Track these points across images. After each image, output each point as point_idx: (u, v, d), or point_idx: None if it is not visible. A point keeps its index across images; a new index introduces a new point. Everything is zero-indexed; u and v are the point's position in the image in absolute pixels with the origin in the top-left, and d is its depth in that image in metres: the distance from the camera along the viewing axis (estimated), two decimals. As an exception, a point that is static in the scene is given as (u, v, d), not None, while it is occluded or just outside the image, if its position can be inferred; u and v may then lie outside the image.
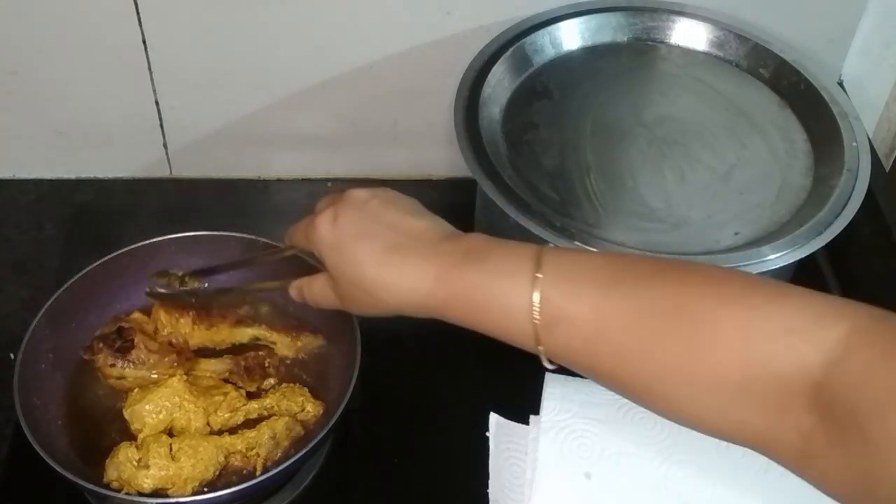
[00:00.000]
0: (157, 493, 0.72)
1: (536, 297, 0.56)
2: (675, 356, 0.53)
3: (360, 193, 0.66)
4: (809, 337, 0.49)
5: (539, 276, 0.57)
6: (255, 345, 0.83)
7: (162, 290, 0.81)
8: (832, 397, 0.48)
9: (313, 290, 0.69)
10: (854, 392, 0.47)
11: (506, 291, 0.58)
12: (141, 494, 0.71)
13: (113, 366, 0.78)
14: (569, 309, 0.56)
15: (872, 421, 0.45)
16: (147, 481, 0.72)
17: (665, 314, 0.54)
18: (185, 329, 0.82)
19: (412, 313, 0.62)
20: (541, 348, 0.58)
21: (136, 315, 0.83)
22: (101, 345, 0.79)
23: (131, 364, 0.78)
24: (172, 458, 0.73)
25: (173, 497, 0.71)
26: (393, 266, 0.61)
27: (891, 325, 0.49)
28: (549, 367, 0.59)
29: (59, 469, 0.69)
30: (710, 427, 0.55)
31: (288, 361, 0.82)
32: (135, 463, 0.72)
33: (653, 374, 0.54)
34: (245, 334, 0.83)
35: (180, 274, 0.81)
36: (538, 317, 0.56)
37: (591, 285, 0.56)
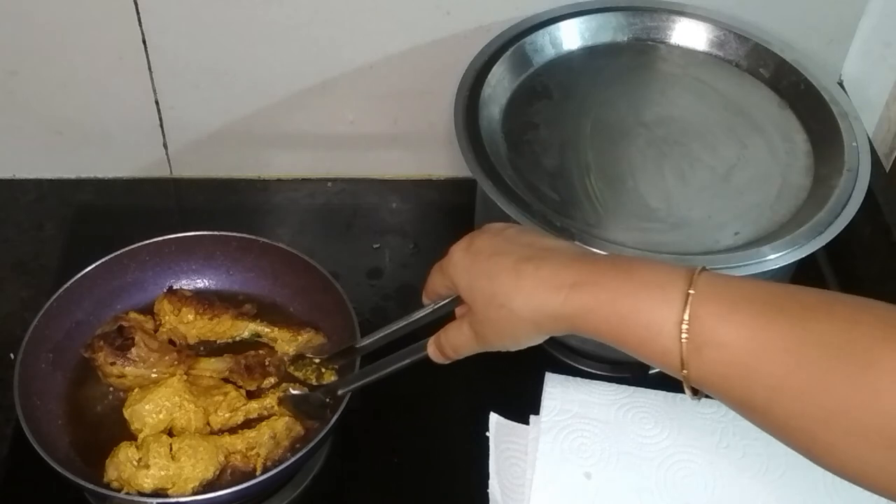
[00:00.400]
0: (158, 492, 0.72)
1: (687, 314, 0.52)
2: (840, 398, 0.48)
3: (496, 224, 0.66)
4: None
5: (691, 292, 0.52)
6: (255, 343, 0.83)
7: (296, 393, 0.77)
8: None
9: (449, 336, 0.66)
10: None
11: (653, 305, 0.53)
12: (141, 494, 0.71)
13: (113, 364, 0.78)
14: (722, 332, 0.51)
15: None
16: (147, 481, 0.72)
17: (832, 349, 0.48)
18: (188, 318, 0.82)
19: (548, 328, 0.59)
20: (685, 372, 0.53)
21: (136, 314, 0.83)
22: (101, 343, 0.79)
23: (131, 362, 0.78)
24: (172, 457, 0.73)
25: (173, 497, 0.71)
26: (528, 273, 0.59)
27: None
28: (692, 396, 0.55)
29: (59, 469, 0.69)
30: (874, 484, 0.49)
31: (288, 360, 0.82)
32: (135, 463, 0.72)
33: (814, 417, 0.49)
34: (246, 328, 0.84)
35: (317, 361, 0.78)
36: (686, 336, 0.52)
37: (750, 311, 0.51)
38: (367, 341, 0.75)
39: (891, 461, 0.47)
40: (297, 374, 0.79)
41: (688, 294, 0.52)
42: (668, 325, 0.53)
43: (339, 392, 0.74)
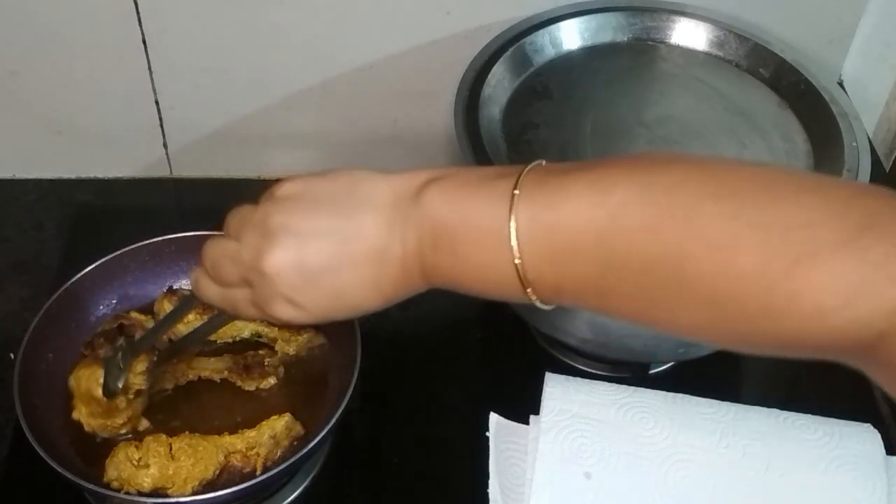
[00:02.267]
0: (157, 492, 0.72)
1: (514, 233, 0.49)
2: (701, 319, 0.47)
3: (283, 191, 0.55)
4: (850, 314, 0.42)
5: (514, 198, 0.49)
6: (255, 343, 0.83)
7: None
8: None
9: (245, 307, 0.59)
10: None
11: (486, 243, 0.50)
12: (141, 494, 0.71)
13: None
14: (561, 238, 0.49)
15: None
16: (147, 480, 0.72)
17: (674, 281, 0.46)
18: (188, 318, 0.82)
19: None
20: (533, 297, 0.51)
21: (136, 314, 0.83)
22: (101, 341, 0.79)
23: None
24: (172, 457, 0.73)
25: (173, 497, 0.71)
26: (374, 284, 0.54)
27: None
28: (544, 306, 0.52)
29: (59, 469, 0.69)
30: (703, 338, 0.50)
31: (288, 360, 0.82)
32: (135, 462, 0.72)
33: (679, 322, 0.48)
34: (246, 328, 0.84)
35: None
36: (518, 258, 0.49)
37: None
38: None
39: (761, 351, 0.47)
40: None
41: (513, 194, 0.49)
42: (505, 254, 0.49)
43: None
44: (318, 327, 0.84)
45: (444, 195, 0.52)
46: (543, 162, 0.52)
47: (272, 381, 0.80)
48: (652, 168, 0.48)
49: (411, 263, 0.53)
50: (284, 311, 0.55)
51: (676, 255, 0.46)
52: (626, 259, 0.47)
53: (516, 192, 0.49)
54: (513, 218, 0.49)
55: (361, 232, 0.53)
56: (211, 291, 0.60)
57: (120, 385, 0.74)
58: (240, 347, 0.83)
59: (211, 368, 0.80)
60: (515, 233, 0.49)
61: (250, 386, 0.80)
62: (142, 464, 0.72)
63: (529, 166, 0.51)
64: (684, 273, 0.46)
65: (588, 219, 0.48)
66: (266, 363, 0.81)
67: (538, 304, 0.51)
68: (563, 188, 0.49)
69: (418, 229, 0.52)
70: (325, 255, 0.53)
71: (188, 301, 0.75)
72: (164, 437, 0.74)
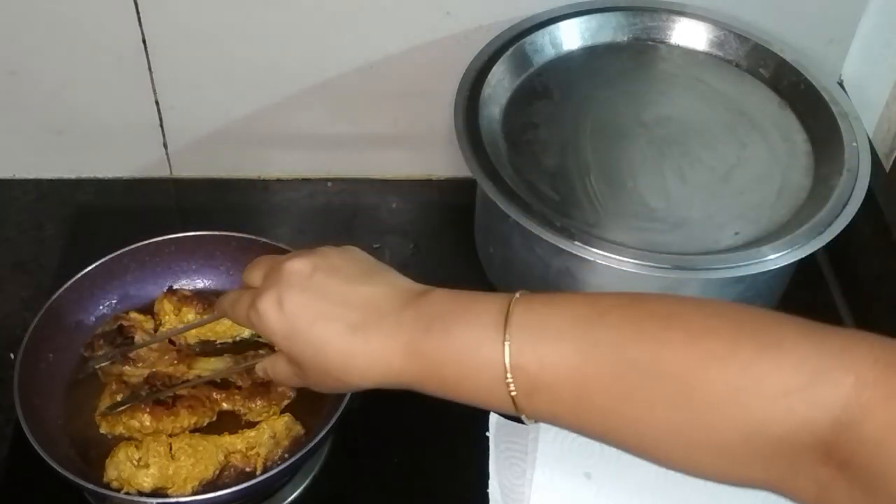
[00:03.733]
0: (157, 492, 0.72)
1: (509, 370, 0.53)
2: (669, 422, 0.50)
3: (298, 266, 0.59)
4: (810, 398, 0.46)
5: (507, 342, 0.53)
6: (255, 343, 0.83)
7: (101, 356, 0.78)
8: (849, 459, 0.45)
9: (278, 373, 0.64)
10: (878, 459, 0.44)
11: (476, 366, 0.54)
12: (141, 494, 0.71)
13: (113, 363, 0.78)
14: (545, 376, 0.52)
15: None
16: (147, 480, 0.72)
17: (650, 378, 0.50)
18: (188, 318, 0.82)
19: (383, 386, 0.60)
20: (524, 417, 0.55)
21: (136, 314, 0.83)
22: (101, 342, 0.79)
23: (131, 361, 0.78)
24: (172, 457, 0.73)
25: (173, 497, 0.71)
26: (358, 350, 0.57)
27: None
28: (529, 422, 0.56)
29: (59, 469, 0.69)
30: (719, 479, 0.52)
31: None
32: (135, 462, 0.72)
33: (648, 438, 0.52)
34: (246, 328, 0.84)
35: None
36: (514, 389, 0.53)
37: (566, 347, 0.52)
38: None
39: (723, 464, 0.50)
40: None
41: (504, 345, 0.53)
42: (496, 382, 0.53)
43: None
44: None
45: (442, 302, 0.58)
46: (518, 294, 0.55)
47: (277, 410, 0.79)
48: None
49: (409, 374, 0.57)
50: (269, 318, 0.59)
51: (651, 357, 0.50)
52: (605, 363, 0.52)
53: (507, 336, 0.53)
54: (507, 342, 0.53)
55: (369, 296, 0.59)
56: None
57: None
58: (240, 348, 0.83)
59: (211, 368, 0.80)
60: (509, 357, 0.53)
61: (258, 416, 0.79)
62: (142, 464, 0.72)
63: (514, 298, 0.55)
64: (658, 370, 0.50)
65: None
66: None
67: (519, 406, 0.54)
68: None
69: (416, 314, 0.57)
70: (331, 296, 0.59)
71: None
72: (164, 437, 0.74)
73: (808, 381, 0.46)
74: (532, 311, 0.54)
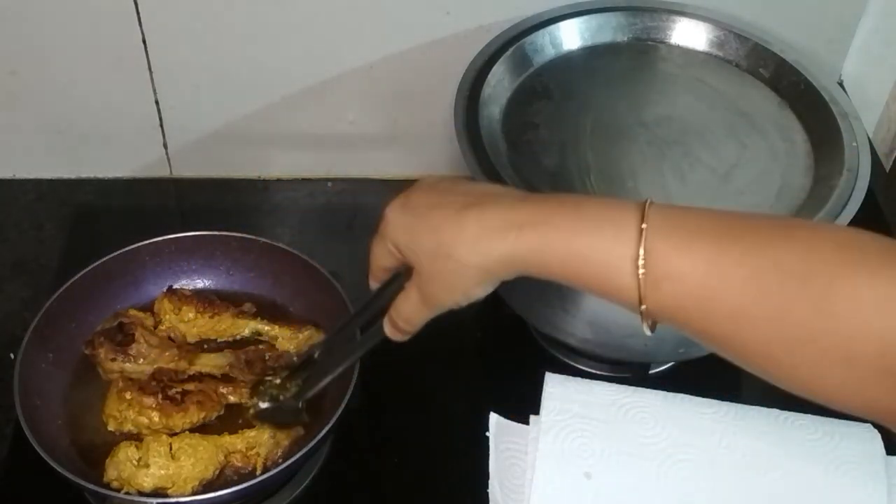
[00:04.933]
0: (158, 492, 0.72)
1: (642, 249, 0.51)
2: (804, 325, 0.48)
3: (428, 178, 0.63)
4: None
5: (644, 226, 0.51)
6: (255, 341, 0.84)
7: (265, 406, 0.76)
8: None
9: (399, 308, 0.63)
10: None
11: (607, 242, 0.52)
12: (141, 494, 0.71)
13: (114, 360, 0.78)
14: (679, 263, 0.50)
15: None
16: (147, 480, 0.72)
17: (793, 277, 0.48)
18: (189, 316, 0.82)
19: (498, 273, 0.57)
20: (644, 307, 0.52)
21: (136, 312, 0.83)
22: (101, 339, 0.79)
23: (132, 358, 0.78)
24: (172, 457, 0.73)
25: (173, 497, 0.71)
26: (471, 219, 0.56)
27: None
28: (649, 332, 0.54)
29: (59, 469, 0.69)
30: (837, 401, 0.50)
31: (288, 358, 0.82)
32: (135, 462, 0.72)
33: (777, 343, 0.49)
34: (246, 326, 0.84)
35: (278, 382, 0.77)
36: (643, 270, 0.51)
37: (705, 239, 0.51)
38: (322, 347, 0.76)
39: (850, 378, 0.48)
40: (262, 400, 0.77)
41: (641, 229, 0.51)
42: (624, 262, 0.51)
43: (308, 394, 0.74)
44: (318, 326, 0.84)
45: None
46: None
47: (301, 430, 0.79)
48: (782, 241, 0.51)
49: (524, 246, 0.55)
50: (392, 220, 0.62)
51: (797, 258, 0.49)
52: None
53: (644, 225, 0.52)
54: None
55: (486, 193, 0.59)
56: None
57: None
58: (241, 347, 0.83)
59: (212, 364, 0.80)
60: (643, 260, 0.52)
61: (249, 378, 0.79)
62: (142, 463, 0.72)
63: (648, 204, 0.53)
64: (803, 271, 0.49)
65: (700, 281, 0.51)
66: (266, 357, 0.81)
67: (643, 295, 0.52)
68: (688, 240, 0.52)
69: (543, 197, 0.57)
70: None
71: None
72: (164, 437, 0.74)
73: None
74: (672, 208, 0.53)
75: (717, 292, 0.50)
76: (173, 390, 0.76)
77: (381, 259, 0.64)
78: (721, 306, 0.50)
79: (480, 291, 0.59)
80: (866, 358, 0.47)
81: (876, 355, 0.47)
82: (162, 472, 0.72)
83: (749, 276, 0.49)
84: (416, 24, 0.94)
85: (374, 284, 0.67)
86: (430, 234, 0.58)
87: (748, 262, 0.49)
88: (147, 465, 0.72)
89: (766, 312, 0.49)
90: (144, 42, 0.93)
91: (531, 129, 0.86)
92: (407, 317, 0.63)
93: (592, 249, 0.53)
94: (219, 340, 0.84)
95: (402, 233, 0.60)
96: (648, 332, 0.54)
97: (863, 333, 0.47)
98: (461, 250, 0.56)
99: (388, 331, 0.65)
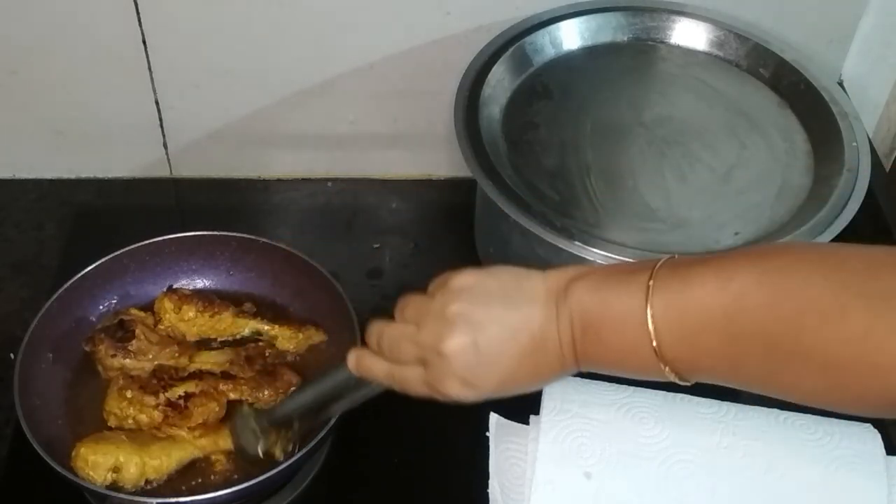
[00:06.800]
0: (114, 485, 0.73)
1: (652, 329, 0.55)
2: (815, 390, 0.52)
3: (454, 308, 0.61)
4: None
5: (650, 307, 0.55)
6: (255, 341, 0.84)
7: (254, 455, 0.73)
8: None
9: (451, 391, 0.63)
10: None
11: (624, 330, 0.56)
12: (142, 493, 0.71)
13: (114, 356, 0.79)
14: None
15: None
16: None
17: (792, 357, 0.52)
18: (189, 316, 0.82)
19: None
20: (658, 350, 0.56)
21: (136, 311, 0.83)
22: (102, 336, 0.79)
23: (132, 355, 0.79)
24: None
25: (173, 497, 0.71)
26: (540, 366, 0.60)
27: None
28: (680, 381, 0.57)
29: (59, 469, 0.69)
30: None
31: (288, 356, 0.82)
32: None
33: (799, 394, 0.54)
34: (247, 326, 0.84)
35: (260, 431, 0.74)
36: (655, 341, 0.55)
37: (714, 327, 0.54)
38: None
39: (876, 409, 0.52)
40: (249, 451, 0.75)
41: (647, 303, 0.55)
42: (642, 339, 0.55)
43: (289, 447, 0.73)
44: (318, 325, 0.84)
45: (589, 288, 0.58)
46: (675, 256, 0.57)
47: (292, 389, 0.79)
48: (767, 255, 0.55)
49: (566, 350, 0.59)
50: (458, 391, 0.60)
51: (794, 328, 0.51)
52: (751, 334, 0.52)
53: (651, 282, 0.55)
54: (649, 306, 0.55)
55: (528, 323, 0.59)
56: (378, 368, 0.65)
57: (261, 452, 0.73)
58: (240, 346, 0.83)
59: (213, 361, 0.81)
60: (652, 318, 0.55)
61: (267, 405, 0.78)
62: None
63: (662, 260, 0.57)
64: (800, 344, 0.51)
65: (714, 302, 0.53)
66: (266, 354, 0.81)
67: (678, 381, 0.57)
68: (691, 276, 0.55)
69: (570, 319, 0.58)
70: (497, 341, 0.59)
71: (340, 372, 0.69)
72: (136, 458, 0.74)
73: None
74: (675, 270, 0.56)
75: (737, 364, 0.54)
76: (176, 394, 0.76)
77: (378, 373, 0.66)
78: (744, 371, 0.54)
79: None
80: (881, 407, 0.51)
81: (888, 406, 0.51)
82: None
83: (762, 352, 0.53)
84: (416, 24, 0.94)
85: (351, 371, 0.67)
86: (500, 382, 0.61)
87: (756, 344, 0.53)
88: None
89: (784, 381, 0.53)
90: (144, 42, 0.93)
91: (531, 129, 0.86)
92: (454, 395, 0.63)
93: (616, 344, 0.57)
94: (219, 340, 0.84)
95: (472, 375, 0.60)
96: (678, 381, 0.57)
97: (871, 393, 0.50)
98: (527, 386, 0.63)
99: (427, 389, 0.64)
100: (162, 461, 0.74)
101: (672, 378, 0.56)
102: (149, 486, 0.74)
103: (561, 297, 0.59)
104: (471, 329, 0.59)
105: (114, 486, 0.72)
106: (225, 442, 0.76)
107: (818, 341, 0.50)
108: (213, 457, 0.76)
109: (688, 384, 0.57)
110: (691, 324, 0.54)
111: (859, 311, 0.49)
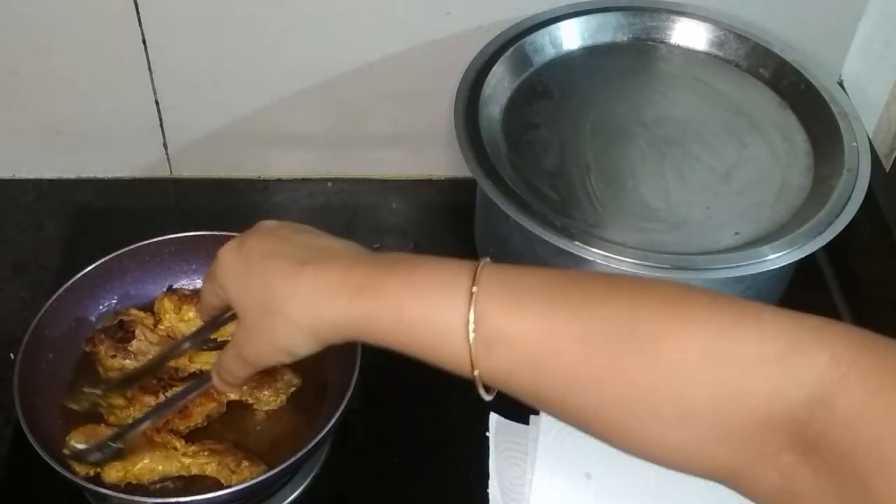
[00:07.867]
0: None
1: (472, 312, 0.49)
2: (635, 383, 0.47)
3: (269, 222, 0.61)
4: (786, 368, 0.44)
5: (475, 289, 0.50)
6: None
7: (81, 447, 0.73)
8: (818, 439, 0.43)
9: (223, 360, 0.61)
10: (847, 438, 0.42)
11: (438, 307, 0.51)
12: (141, 494, 0.71)
13: (114, 357, 0.79)
14: (510, 327, 0.49)
15: (875, 475, 0.40)
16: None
17: (621, 336, 0.47)
18: (189, 315, 0.82)
19: (327, 337, 0.55)
20: (476, 373, 0.51)
21: (136, 311, 0.83)
22: (102, 336, 0.79)
23: (132, 354, 0.78)
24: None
25: (173, 497, 0.71)
26: (306, 277, 0.54)
27: (875, 355, 0.43)
28: (486, 397, 0.53)
29: (59, 469, 0.69)
30: (675, 462, 0.49)
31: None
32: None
33: (609, 403, 0.48)
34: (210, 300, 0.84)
35: (98, 392, 0.76)
36: (474, 335, 0.49)
37: (536, 302, 0.49)
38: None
39: (685, 439, 0.47)
40: (74, 406, 0.76)
41: (472, 292, 0.50)
42: (455, 327, 0.50)
43: (129, 434, 0.72)
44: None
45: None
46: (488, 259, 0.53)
47: (283, 399, 0.80)
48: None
49: (355, 312, 0.53)
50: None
51: (624, 314, 0.48)
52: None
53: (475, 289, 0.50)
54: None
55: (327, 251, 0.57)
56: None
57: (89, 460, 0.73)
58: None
59: (212, 361, 0.80)
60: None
61: (266, 406, 0.79)
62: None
63: (481, 264, 0.52)
64: (631, 328, 0.47)
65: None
66: None
67: (475, 360, 0.51)
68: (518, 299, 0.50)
69: (378, 259, 0.55)
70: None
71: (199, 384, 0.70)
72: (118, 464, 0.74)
73: (786, 351, 0.44)
74: (503, 268, 0.52)
75: (548, 355, 0.49)
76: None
77: (211, 297, 0.63)
78: (552, 369, 0.49)
79: (305, 351, 0.57)
80: (701, 415, 0.46)
81: (710, 412, 0.45)
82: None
83: (578, 336, 0.48)
84: (417, 24, 0.94)
85: (202, 318, 0.68)
86: (261, 286, 0.56)
87: (576, 323, 0.48)
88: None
89: (597, 372, 0.48)
90: (144, 42, 0.93)
91: (531, 129, 0.86)
92: (229, 371, 0.61)
93: (424, 316, 0.51)
94: (219, 340, 0.84)
95: (231, 279, 0.58)
96: (486, 397, 0.53)
97: (694, 390, 0.46)
98: (291, 310, 0.54)
99: (215, 381, 0.64)
100: (144, 470, 0.73)
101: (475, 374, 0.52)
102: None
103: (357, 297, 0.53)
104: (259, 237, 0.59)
105: (96, 480, 0.72)
106: (212, 469, 0.75)
107: (654, 327, 0.48)
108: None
109: (489, 397, 0.54)
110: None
111: (703, 302, 0.48)
